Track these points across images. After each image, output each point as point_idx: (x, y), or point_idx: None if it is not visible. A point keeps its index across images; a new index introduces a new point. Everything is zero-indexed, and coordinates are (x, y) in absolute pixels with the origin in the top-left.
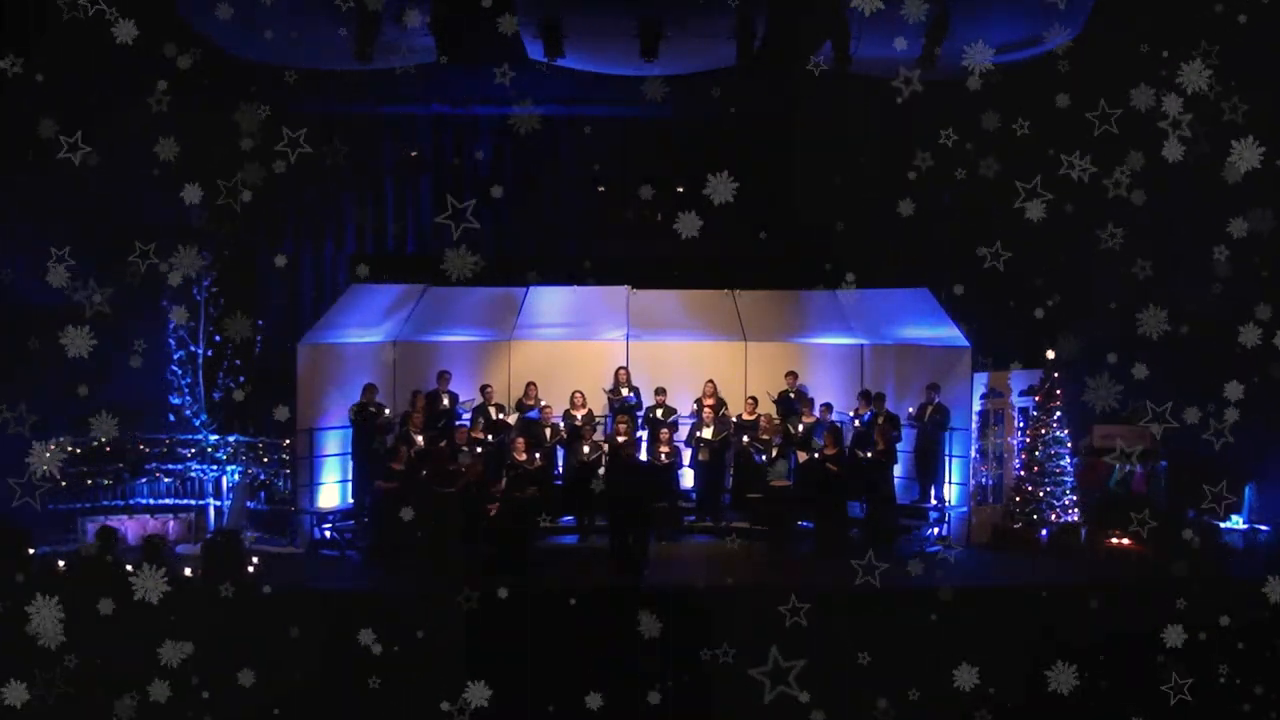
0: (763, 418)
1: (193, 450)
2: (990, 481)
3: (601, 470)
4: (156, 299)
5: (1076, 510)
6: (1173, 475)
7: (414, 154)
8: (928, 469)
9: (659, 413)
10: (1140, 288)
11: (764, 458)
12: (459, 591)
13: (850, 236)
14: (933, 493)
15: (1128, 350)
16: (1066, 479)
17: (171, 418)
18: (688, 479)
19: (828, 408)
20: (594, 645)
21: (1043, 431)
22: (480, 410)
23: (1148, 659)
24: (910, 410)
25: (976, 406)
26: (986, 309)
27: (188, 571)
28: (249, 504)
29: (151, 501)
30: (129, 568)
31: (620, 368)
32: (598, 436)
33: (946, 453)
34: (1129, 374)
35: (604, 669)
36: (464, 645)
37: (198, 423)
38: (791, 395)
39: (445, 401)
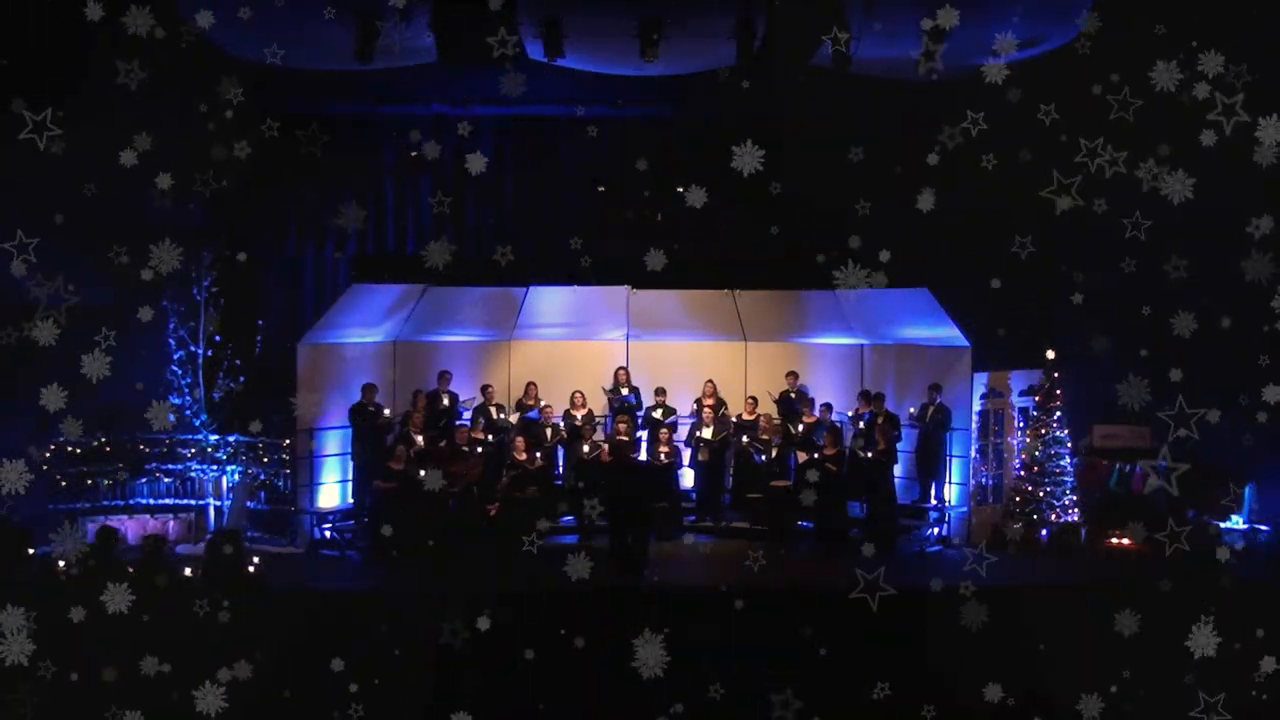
0: (763, 418)
1: (193, 450)
2: (990, 481)
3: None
4: (156, 298)
5: (1076, 510)
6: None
7: (414, 154)
8: (928, 469)
9: (659, 413)
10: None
11: (764, 458)
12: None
13: (854, 235)
14: (933, 493)
15: (1138, 346)
16: (1066, 479)
17: (171, 418)
18: (688, 479)
19: (828, 408)
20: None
21: (1043, 431)
22: (481, 410)
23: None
24: (911, 410)
25: (976, 406)
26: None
27: (188, 571)
28: (249, 504)
29: (151, 501)
30: (130, 569)
31: (620, 368)
32: (598, 436)
33: (947, 453)
34: (1140, 374)
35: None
36: (461, 645)
37: (198, 423)
38: (792, 395)
39: (445, 401)
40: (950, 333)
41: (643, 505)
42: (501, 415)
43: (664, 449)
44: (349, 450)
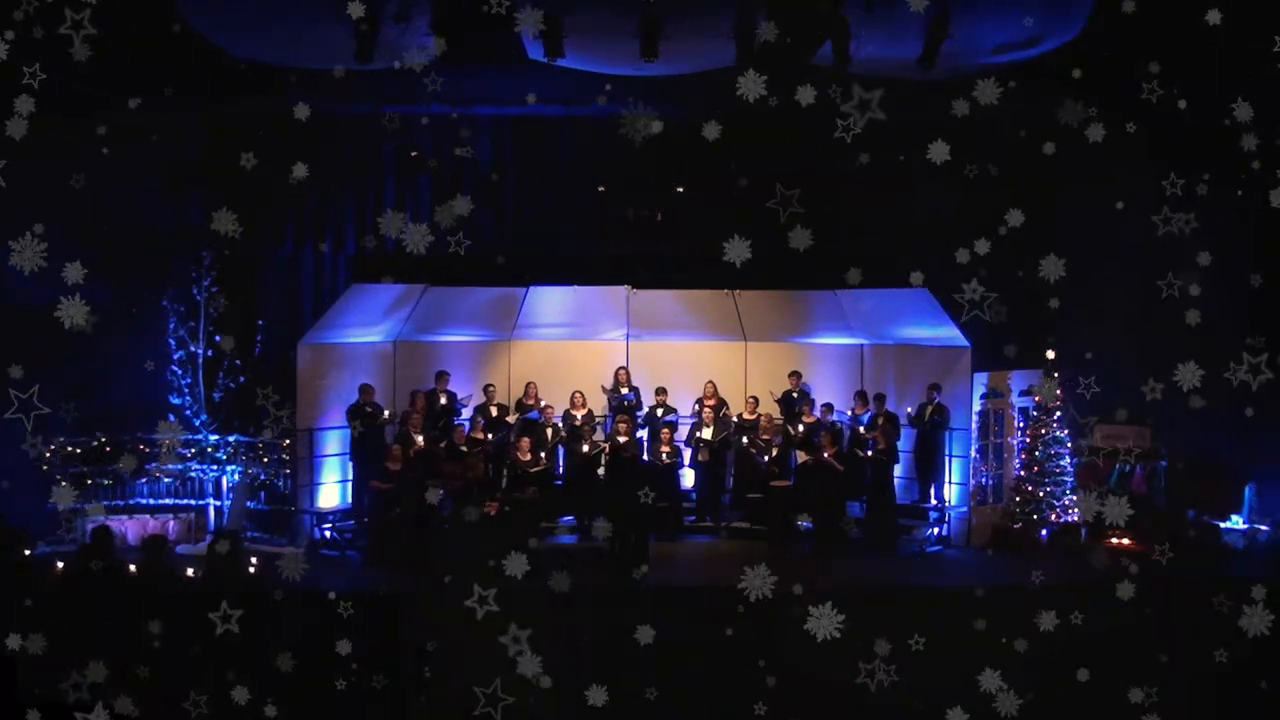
0: (763, 417)
1: (193, 450)
2: (990, 481)
3: (601, 470)
4: (157, 299)
5: (1076, 510)
6: (1172, 475)
7: (414, 154)
8: (928, 469)
9: (659, 412)
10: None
11: (766, 458)
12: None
13: (854, 235)
14: (933, 493)
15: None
16: (1066, 479)
17: (171, 418)
18: (688, 479)
19: (828, 408)
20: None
21: (1043, 431)
22: (482, 410)
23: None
24: (909, 410)
25: (976, 406)
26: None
27: (190, 572)
28: (249, 504)
29: (151, 501)
30: (132, 567)
31: (620, 368)
32: (598, 436)
33: (946, 453)
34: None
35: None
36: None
37: (198, 423)
38: (794, 395)
39: (443, 401)
40: (950, 333)
41: (643, 505)
42: (502, 415)
43: (664, 449)
44: (348, 450)
